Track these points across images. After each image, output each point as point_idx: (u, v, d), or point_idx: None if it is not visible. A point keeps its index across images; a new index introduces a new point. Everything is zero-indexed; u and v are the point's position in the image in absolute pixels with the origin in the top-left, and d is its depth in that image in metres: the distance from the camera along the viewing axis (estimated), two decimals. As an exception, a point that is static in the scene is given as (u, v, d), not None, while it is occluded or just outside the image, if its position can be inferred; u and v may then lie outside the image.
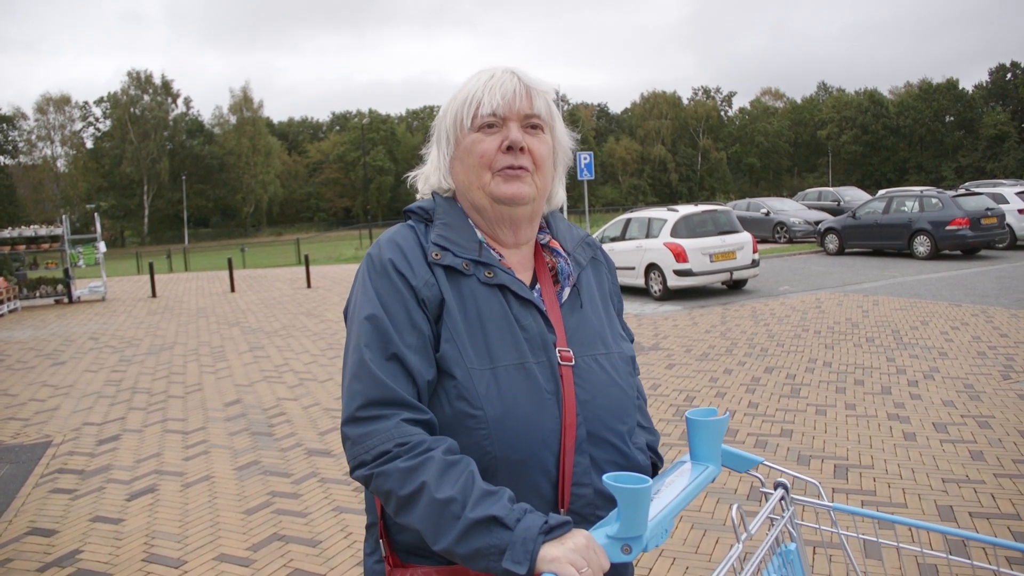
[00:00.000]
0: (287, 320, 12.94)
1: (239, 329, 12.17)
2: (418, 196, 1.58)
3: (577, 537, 1.12)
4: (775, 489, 1.48)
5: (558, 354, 1.39)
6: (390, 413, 1.26)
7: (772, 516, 1.45)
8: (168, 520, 4.51)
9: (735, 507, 1.29)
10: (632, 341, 1.67)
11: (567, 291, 1.49)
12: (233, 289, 18.62)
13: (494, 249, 1.47)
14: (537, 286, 1.49)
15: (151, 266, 19.54)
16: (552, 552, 1.09)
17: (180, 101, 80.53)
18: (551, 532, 1.12)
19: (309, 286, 18.60)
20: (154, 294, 18.23)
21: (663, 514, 1.21)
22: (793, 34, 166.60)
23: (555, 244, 1.55)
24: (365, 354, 1.30)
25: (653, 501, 1.22)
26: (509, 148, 1.41)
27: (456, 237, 1.43)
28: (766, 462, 1.50)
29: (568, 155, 1.57)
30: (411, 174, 1.64)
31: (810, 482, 1.48)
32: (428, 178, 1.56)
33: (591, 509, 1.36)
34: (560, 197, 1.58)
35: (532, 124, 1.45)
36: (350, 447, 1.28)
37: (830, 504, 1.47)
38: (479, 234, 1.47)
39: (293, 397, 7.38)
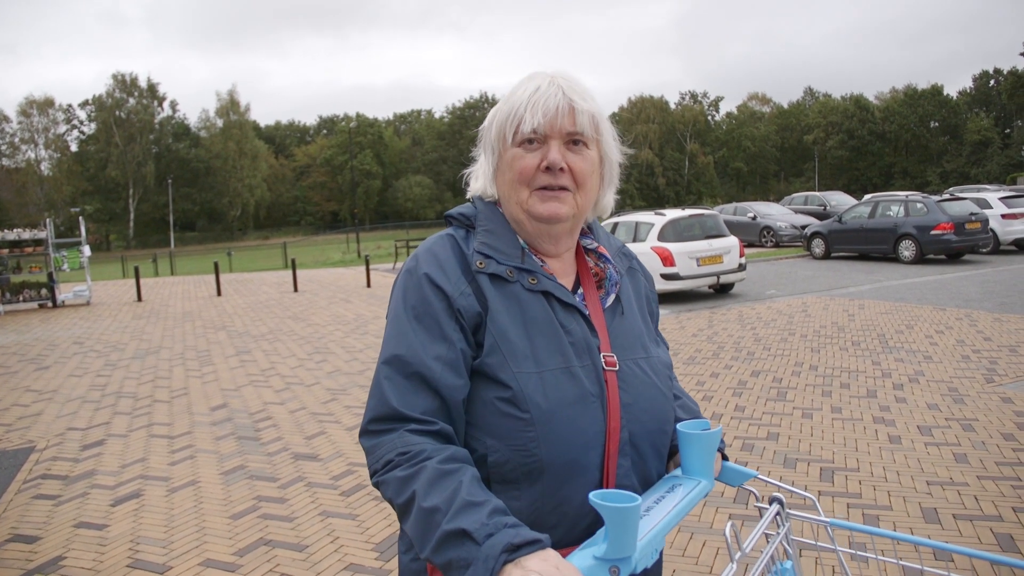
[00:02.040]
0: (274, 324, 12.89)
1: (225, 333, 12.12)
2: (468, 193, 1.59)
3: (546, 558, 1.09)
4: (770, 504, 1.46)
5: (602, 359, 1.41)
6: (397, 427, 1.31)
7: (768, 532, 1.42)
8: (153, 525, 4.48)
9: (729, 525, 1.27)
10: (667, 349, 1.70)
11: (611, 296, 1.51)
12: (219, 293, 18.55)
13: (536, 255, 1.49)
14: (580, 291, 1.51)
15: (136, 270, 19.43)
16: (513, 573, 1.08)
17: (166, 104, 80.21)
18: (516, 551, 1.10)
19: (296, 290, 18.55)
20: (140, 298, 18.13)
21: (653, 533, 1.19)
22: (780, 39, 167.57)
23: (603, 250, 1.58)
24: (383, 371, 1.36)
25: (643, 519, 1.20)
26: (548, 168, 1.41)
27: (499, 244, 1.45)
28: (760, 476, 1.47)
29: (615, 166, 1.54)
30: (466, 171, 1.64)
31: (806, 496, 1.47)
32: (477, 179, 1.57)
33: None
34: (607, 204, 1.57)
35: (575, 140, 1.43)
36: (368, 457, 1.34)
37: (827, 519, 1.44)
38: (521, 241, 1.49)
39: (279, 401, 7.35)
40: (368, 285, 18.80)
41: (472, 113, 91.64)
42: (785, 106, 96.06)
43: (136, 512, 4.70)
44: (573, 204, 1.44)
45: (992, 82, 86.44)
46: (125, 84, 75.05)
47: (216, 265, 19.77)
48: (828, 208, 28.18)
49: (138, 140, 73.30)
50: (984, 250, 18.82)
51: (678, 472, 1.43)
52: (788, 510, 1.46)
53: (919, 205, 18.43)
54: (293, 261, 20.33)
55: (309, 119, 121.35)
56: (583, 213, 1.48)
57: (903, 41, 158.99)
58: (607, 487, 1.34)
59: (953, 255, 18.19)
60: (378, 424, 1.33)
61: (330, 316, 13.60)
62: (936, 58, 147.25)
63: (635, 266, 1.65)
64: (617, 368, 1.41)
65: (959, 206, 18.31)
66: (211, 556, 4.03)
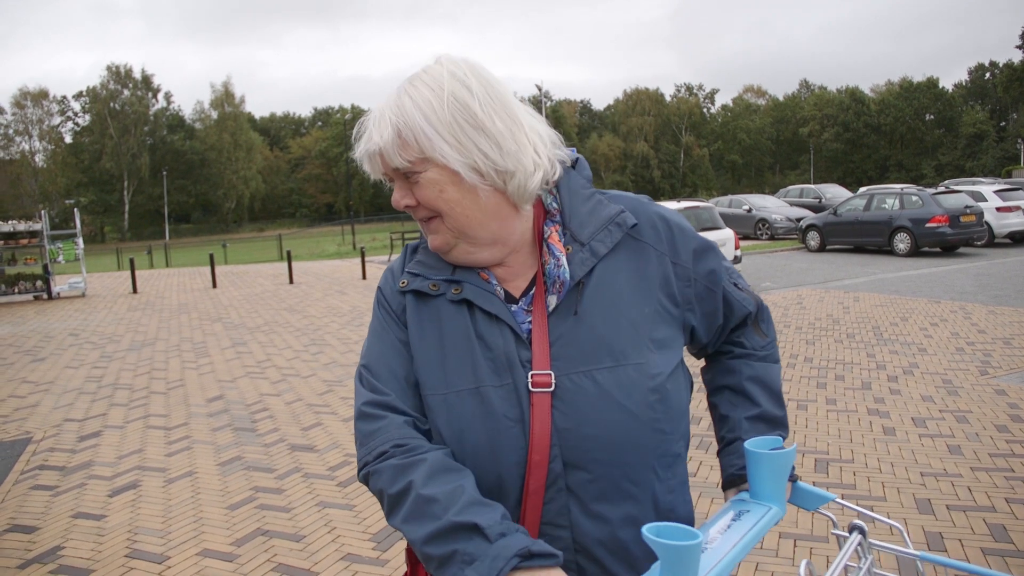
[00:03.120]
0: (269, 316, 12.89)
1: (221, 325, 12.11)
2: None
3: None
4: (850, 532, 1.26)
5: (529, 377, 1.20)
6: (391, 415, 1.24)
7: (849, 564, 1.24)
8: (151, 516, 4.49)
9: (804, 564, 1.11)
10: (752, 312, 1.42)
11: (554, 298, 1.25)
12: (215, 285, 18.53)
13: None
14: (531, 293, 1.28)
15: (132, 262, 19.39)
16: None
17: (160, 96, 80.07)
18: (531, 559, 1.02)
19: (291, 282, 18.54)
20: (135, 290, 18.11)
21: (717, 570, 1.05)
22: (775, 32, 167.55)
23: (554, 239, 1.28)
24: (364, 371, 1.31)
25: (705, 552, 1.08)
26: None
27: (433, 259, 1.32)
28: (839, 499, 1.30)
29: (479, 151, 1.19)
30: None
31: (892, 524, 1.28)
32: None
33: (570, 555, 1.21)
34: (544, 173, 1.26)
35: (403, 174, 1.22)
36: (358, 447, 1.26)
37: (917, 552, 1.26)
38: None
39: (276, 393, 7.36)
40: (364, 277, 18.80)
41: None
42: (780, 99, 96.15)
43: (134, 503, 4.71)
44: (445, 230, 1.24)
45: (987, 75, 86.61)
46: (120, 75, 74.87)
47: (211, 257, 19.75)
48: (823, 201, 28.24)
49: (133, 132, 73.14)
50: (979, 243, 18.89)
51: (745, 496, 1.25)
52: (871, 540, 1.27)
53: (914, 198, 18.49)
54: (288, 253, 20.32)
55: (304, 111, 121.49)
56: (472, 228, 1.23)
57: (898, 33, 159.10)
58: (524, 524, 1.19)
59: (948, 248, 18.25)
60: (373, 408, 1.25)
61: (325, 308, 13.60)
62: (931, 51, 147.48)
63: (641, 236, 1.30)
64: (552, 387, 1.19)
65: (954, 199, 18.37)
66: (209, 546, 4.05)
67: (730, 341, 1.45)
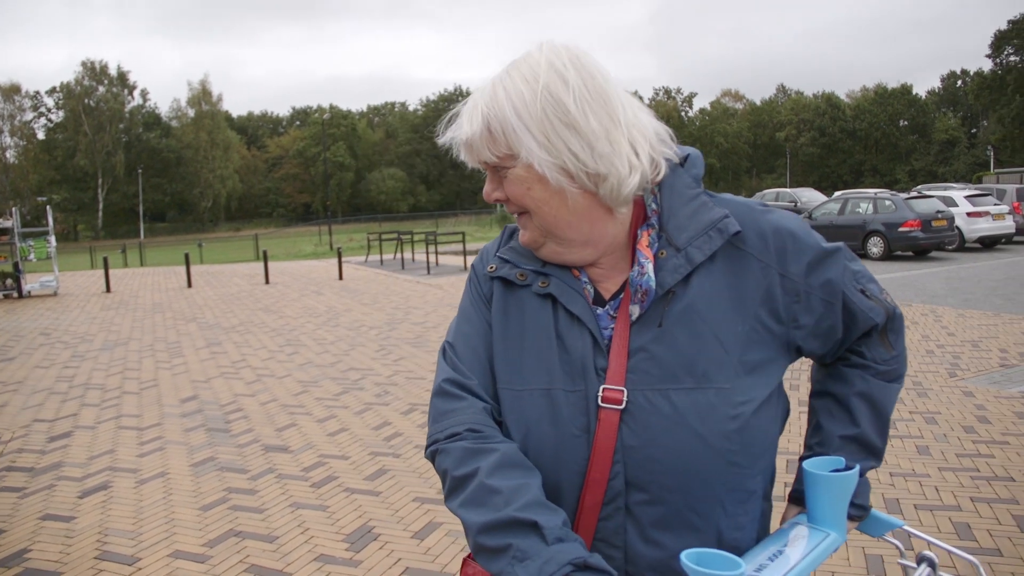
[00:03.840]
0: (245, 316, 12.81)
1: (196, 325, 12.02)
2: None
3: None
4: (918, 564, 1.16)
5: (601, 390, 1.14)
6: (470, 398, 1.22)
7: None
8: (121, 517, 4.45)
9: None
10: (880, 324, 1.28)
11: (636, 308, 1.16)
12: (190, 284, 18.39)
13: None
14: (620, 297, 1.20)
15: (105, 260, 19.19)
16: None
17: (136, 93, 79.35)
18: (584, 570, 0.99)
19: (268, 282, 18.43)
20: (108, 289, 17.93)
21: None
22: (753, 36, 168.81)
23: (642, 244, 1.19)
24: (449, 350, 1.29)
25: None
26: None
27: (524, 249, 1.26)
28: (907, 527, 1.20)
29: (568, 152, 1.11)
30: None
31: (968, 559, 1.14)
32: None
33: None
34: (644, 173, 1.16)
35: (494, 167, 1.18)
36: (431, 423, 1.24)
37: None
38: None
39: (250, 393, 7.31)
40: (340, 278, 18.72)
41: (447, 106, 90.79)
42: (758, 103, 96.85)
43: (104, 504, 4.67)
44: (535, 227, 1.19)
45: (959, 83, 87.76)
46: (94, 71, 74.10)
47: (187, 256, 19.59)
48: (799, 205, 28.50)
49: (107, 129, 72.39)
50: (950, 247, 19.15)
51: (802, 519, 1.16)
52: (942, 573, 1.16)
53: (887, 202, 18.70)
54: (265, 253, 20.20)
55: (282, 110, 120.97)
56: (560, 229, 1.17)
57: (874, 41, 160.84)
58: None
59: (920, 252, 18.48)
60: (454, 387, 1.23)
61: (302, 308, 13.54)
62: (906, 58, 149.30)
63: (743, 245, 1.18)
64: (623, 405, 1.12)
65: (926, 204, 18.61)
66: (180, 547, 4.02)
67: (851, 349, 1.31)
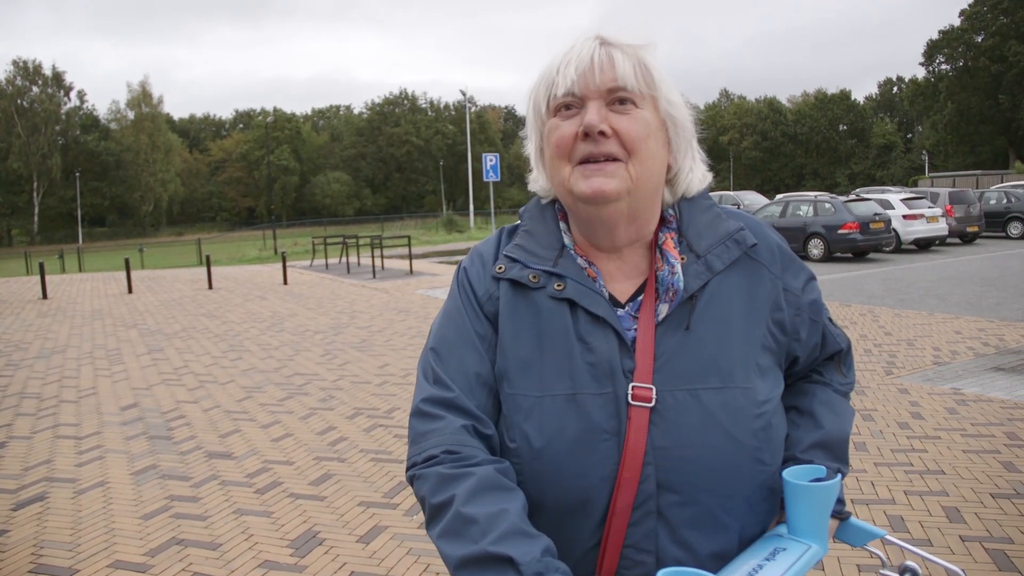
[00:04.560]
0: (187, 322, 12.59)
1: (137, 331, 11.78)
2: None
3: None
4: (901, 575, 1.15)
5: (630, 388, 1.12)
6: (450, 416, 1.15)
7: None
8: (59, 528, 4.34)
9: None
10: (843, 350, 1.38)
11: (664, 307, 1.17)
12: (131, 290, 18.00)
13: (584, 256, 1.23)
14: (639, 299, 1.20)
15: (41, 266, 18.68)
16: None
17: (73, 94, 77.39)
18: None
19: (211, 287, 18.13)
20: (45, 295, 17.45)
21: None
22: (698, 42, 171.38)
23: (669, 246, 1.22)
24: (431, 356, 1.23)
25: None
26: (587, 134, 1.13)
27: (533, 245, 1.23)
28: (889, 536, 1.17)
29: (686, 124, 1.24)
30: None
31: (951, 569, 1.13)
32: (531, 175, 1.32)
33: None
34: (695, 180, 1.26)
35: (620, 99, 1.14)
36: (410, 446, 1.18)
37: None
38: (567, 239, 1.25)
39: (193, 400, 7.19)
40: (285, 282, 18.51)
41: (392, 109, 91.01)
42: (701, 107, 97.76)
43: (40, 516, 4.55)
44: (626, 177, 1.13)
45: (895, 89, 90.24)
46: (27, 71, 72.06)
47: (127, 262, 19.17)
48: (742, 208, 28.91)
49: (43, 131, 70.47)
50: (887, 249, 19.67)
51: (782, 530, 1.13)
52: None
53: (827, 205, 19.15)
54: (208, 258, 19.86)
55: (225, 112, 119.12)
56: (644, 189, 1.16)
57: (814, 47, 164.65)
58: (605, 548, 1.11)
59: (859, 253, 18.95)
60: (435, 406, 1.17)
61: (245, 313, 13.35)
62: (845, 64, 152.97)
63: (758, 256, 1.23)
64: (653, 403, 1.11)
65: (864, 206, 19.10)
66: (120, 557, 3.94)
67: (811, 370, 1.38)
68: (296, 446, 5.66)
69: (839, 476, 1.14)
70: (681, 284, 1.17)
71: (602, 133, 1.12)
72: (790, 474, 1.10)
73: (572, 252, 1.22)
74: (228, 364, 8.87)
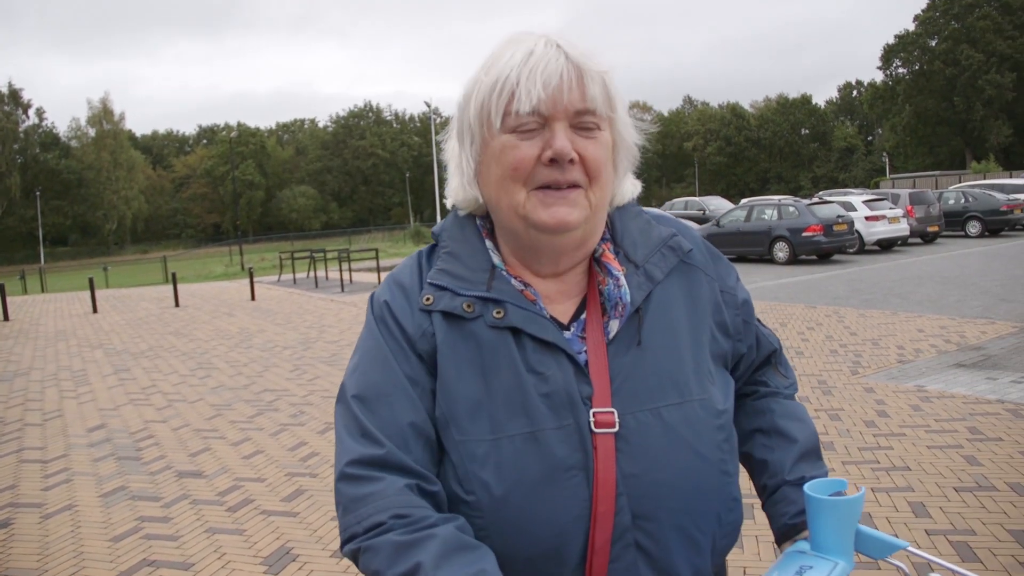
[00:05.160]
0: (154, 341, 12.45)
1: (102, 351, 11.62)
2: (447, 199, 1.20)
3: None
4: None
5: (591, 416, 1.03)
6: (388, 476, 1.02)
7: None
8: (25, 555, 4.27)
9: None
10: (777, 349, 1.32)
11: (615, 324, 1.09)
12: (95, 310, 17.75)
13: (518, 277, 1.12)
14: (582, 318, 1.12)
15: (2, 288, 18.36)
16: None
17: (31, 112, 76.07)
18: None
19: (177, 305, 17.94)
20: (6, 317, 17.16)
21: None
22: (661, 49, 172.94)
23: (608, 258, 1.14)
24: (355, 406, 1.07)
25: None
26: (553, 160, 1.03)
27: (460, 269, 1.11)
28: (912, 548, 1.09)
29: (633, 150, 1.16)
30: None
31: None
32: (450, 185, 1.18)
33: None
34: (627, 192, 1.19)
35: (585, 123, 1.05)
36: (342, 514, 1.04)
37: None
38: (495, 258, 1.13)
39: (162, 419, 7.12)
40: (253, 298, 18.36)
41: (356, 122, 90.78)
42: (665, 114, 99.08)
43: (5, 542, 4.47)
44: (586, 205, 1.06)
45: (855, 92, 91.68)
46: (-16, 90, 70.83)
47: (91, 281, 18.91)
48: (707, 212, 29.28)
49: (1, 150, 69.24)
50: (851, 250, 19.96)
51: (803, 546, 1.07)
52: None
53: (791, 208, 19.41)
54: (174, 275, 19.68)
55: (188, 128, 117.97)
56: (599, 214, 1.10)
57: (776, 53, 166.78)
58: None
59: (823, 255, 19.22)
60: (366, 468, 1.02)
61: (213, 330, 13.23)
62: (806, 69, 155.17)
63: (693, 260, 1.19)
64: (617, 427, 1.03)
65: (827, 209, 19.39)
66: (90, 581, 3.89)
67: (753, 381, 1.32)
68: (267, 463, 5.63)
69: (863, 490, 1.07)
70: (628, 297, 1.10)
71: (571, 160, 1.03)
72: (811, 488, 1.04)
73: (504, 273, 1.11)
74: (197, 382, 8.79)
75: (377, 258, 20.84)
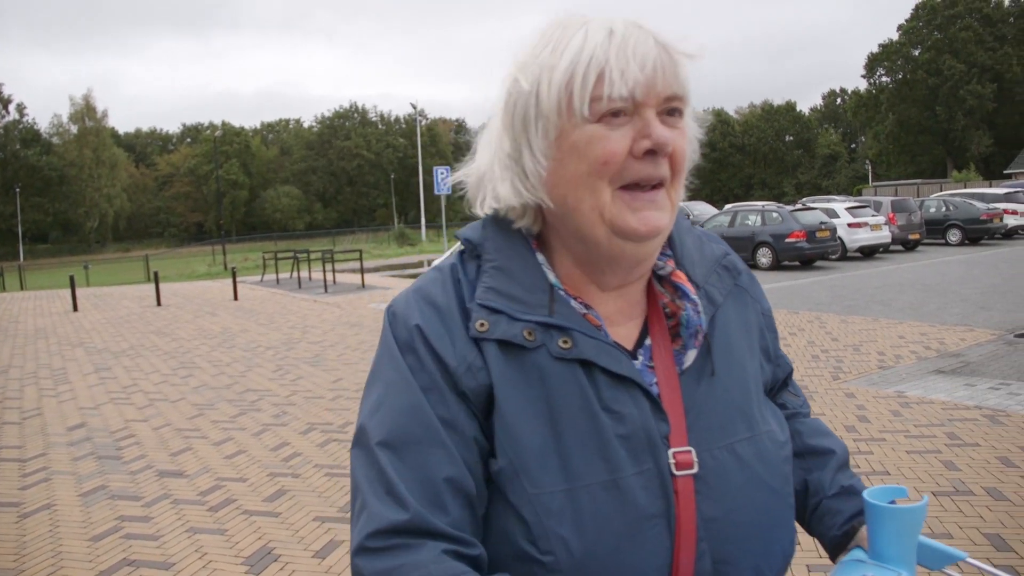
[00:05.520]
0: (135, 340, 12.37)
1: (83, 350, 11.53)
2: (478, 205, 1.03)
3: None
4: None
5: (671, 457, 0.93)
6: (419, 543, 0.86)
7: None
8: (2, 555, 4.24)
9: None
10: (791, 373, 1.23)
11: (691, 354, 0.98)
12: (76, 308, 17.61)
13: (576, 297, 0.98)
14: (647, 344, 0.99)
15: (-18, 285, 18.20)
16: None
17: (12, 107, 75.47)
18: None
19: (159, 304, 17.83)
20: (-15, 315, 17.00)
21: None
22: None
23: (679, 276, 1.02)
24: (383, 458, 0.90)
25: None
26: (648, 153, 0.90)
27: (514, 289, 0.95)
28: (971, 559, 1.04)
29: (695, 144, 1.05)
30: (458, 175, 1.05)
31: None
32: (490, 187, 1.00)
33: None
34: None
35: (672, 109, 0.94)
36: None
37: None
38: (551, 276, 0.98)
39: (143, 418, 7.07)
40: (235, 298, 18.28)
41: (342, 123, 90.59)
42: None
43: (-16, 539, 4.44)
44: (669, 207, 0.95)
45: (839, 100, 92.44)
46: (-35, 86, 70.15)
47: (72, 279, 18.77)
48: (692, 217, 29.35)
49: (-20, 145, 68.64)
50: (833, 256, 20.11)
51: (860, 555, 1.01)
52: None
53: (774, 214, 19.54)
54: (156, 274, 19.54)
55: (172, 127, 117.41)
56: (674, 218, 0.99)
57: (761, 59, 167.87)
58: None
59: (806, 261, 19.34)
60: (388, 539, 0.86)
61: (195, 330, 13.16)
62: (791, 75, 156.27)
63: (743, 283, 1.09)
64: (696, 469, 0.93)
65: (811, 215, 19.54)
66: (69, 580, 3.86)
67: (777, 404, 1.21)
68: (249, 463, 5.61)
69: (925, 498, 1.00)
70: (704, 322, 0.99)
71: (667, 151, 0.91)
72: (871, 495, 0.98)
73: (563, 294, 0.97)
74: (178, 381, 8.74)
75: (361, 259, 20.80)
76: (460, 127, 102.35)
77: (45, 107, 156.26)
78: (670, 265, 1.03)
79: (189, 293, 20.84)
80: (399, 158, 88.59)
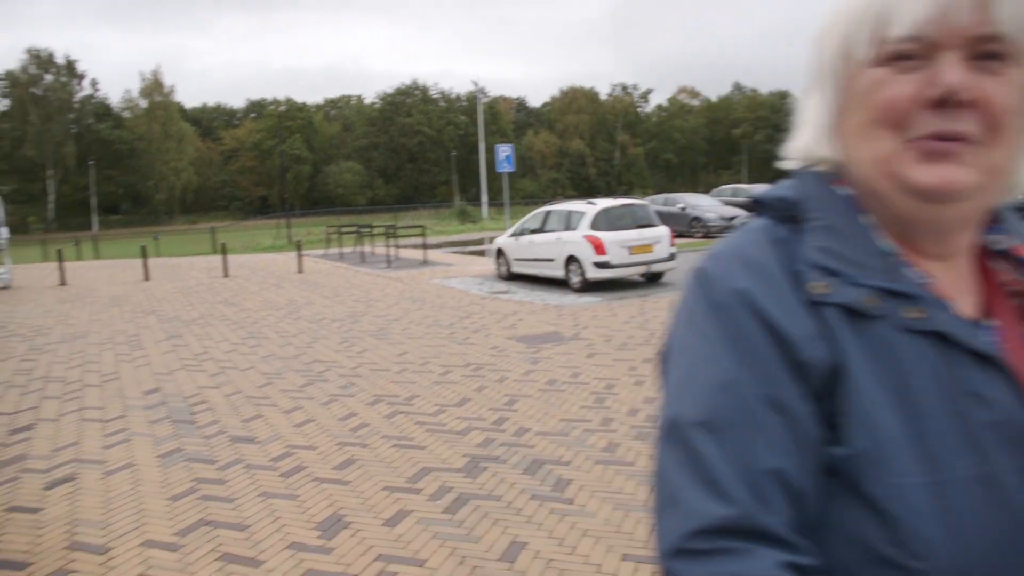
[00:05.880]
0: (205, 309, 12.71)
1: (155, 318, 11.91)
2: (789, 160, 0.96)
3: None
4: None
5: None
6: (749, 548, 0.73)
7: None
8: (90, 508, 4.45)
9: None
10: None
11: None
12: (147, 277, 18.15)
13: (912, 263, 0.85)
14: (988, 323, 0.85)
15: (60, 253, 18.85)
16: None
17: (86, 82, 77.61)
18: None
19: (226, 275, 18.26)
20: (63, 282, 17.62)
21: None
22: (710, 34, 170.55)
23: (1022, 250, 0.89)
24: (702, 446, 0.77)
25: None
26: (940, 101, 0.77)
27: (848, 249, 0.83)
28: None
29: None
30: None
31: None
32: (800, 134, 0.93)
33: None
34: None
35: (987, 53, 0.77)
36: None
37: None
38: (882, 241, 0.85)
39: (214, 385, 7.30)
40: (300, 271, 18.62)
41: (403, 100, 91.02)
42: (714, 100, 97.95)
43: (71, 495, 4.66)
44: (980, 167, 0.78)
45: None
46: (40, 59, 72.25)
47: (143, 249, 19.32)
48: (683, 208, 28.90)
49: (56, 119, 70.70)
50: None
51: None
52: None
53: None
54: (223, 245, 19.99)
55: (237, 102, 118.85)
56: (994, 184, 0.81)
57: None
58: None
59: None
60: (713, 540, 0.73)
61: (262, 301, 13.47)
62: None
63: None
64: None
65: None
66: (152, 537, 4.04)
67: None
68: (318, 431, 5.76)
69: None
70: None
71: (964, 103, 0.77)
72: None
73: (899, 259, 0.84)
74: (247, 351, 8.98)
75: (423, 235, 20.96)
76: (521, 105, 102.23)
77: (116, 82, 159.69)
78: (1006, 238, 0.90)
79: (255, 265, 21.29)
80: (460, 135, 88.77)
